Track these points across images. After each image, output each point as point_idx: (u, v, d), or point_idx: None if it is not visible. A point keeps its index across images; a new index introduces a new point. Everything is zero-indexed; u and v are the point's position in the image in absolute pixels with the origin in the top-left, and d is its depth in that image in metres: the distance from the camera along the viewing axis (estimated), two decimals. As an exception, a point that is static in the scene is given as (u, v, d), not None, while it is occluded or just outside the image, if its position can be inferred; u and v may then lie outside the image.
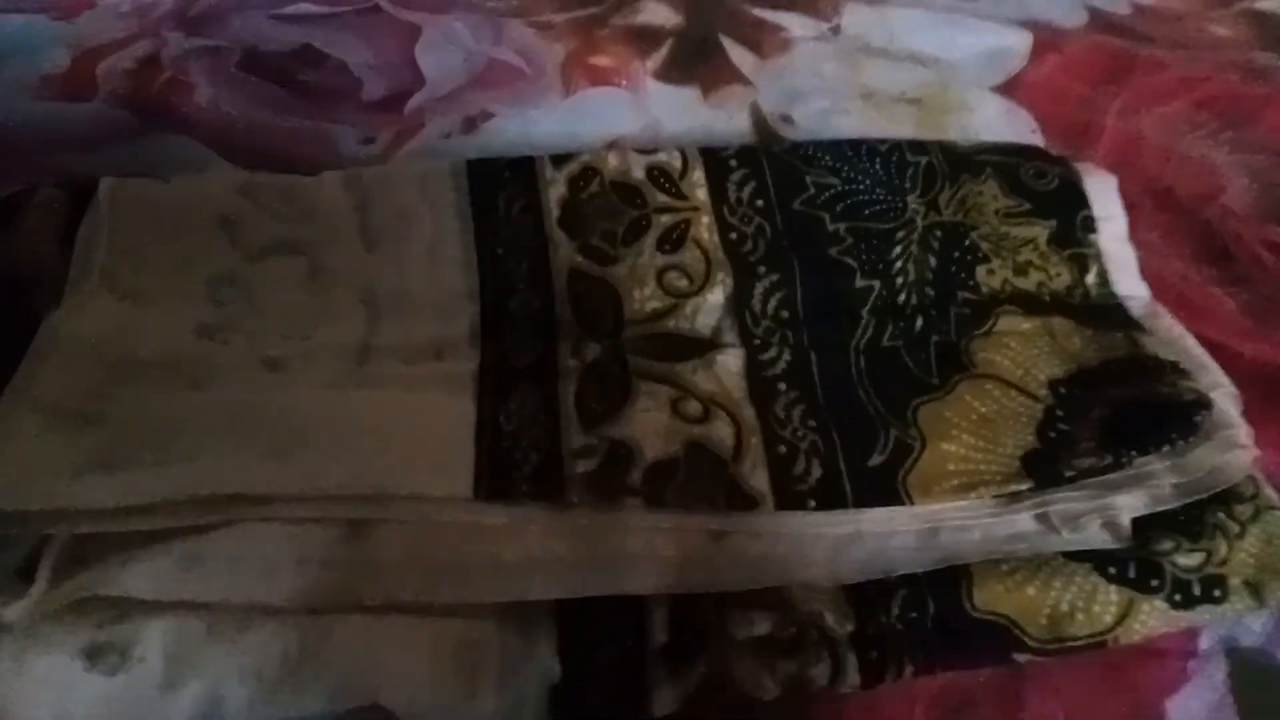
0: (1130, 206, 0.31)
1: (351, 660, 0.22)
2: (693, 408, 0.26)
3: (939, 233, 0.30)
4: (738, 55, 0.40)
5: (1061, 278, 0.29)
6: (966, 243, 0.30)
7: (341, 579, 0.23)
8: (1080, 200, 0.30)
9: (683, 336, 0.28)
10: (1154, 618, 0.23)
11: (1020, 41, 0.40)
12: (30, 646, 0.21)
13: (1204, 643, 0.24)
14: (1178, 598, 0.23)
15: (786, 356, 0.27)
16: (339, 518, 0.23)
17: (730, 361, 0.27)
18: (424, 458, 0.24)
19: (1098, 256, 0.30)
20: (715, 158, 0.31)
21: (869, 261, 0.29)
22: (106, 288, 0.27)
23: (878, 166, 0.31)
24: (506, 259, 0.29)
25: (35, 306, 0.27)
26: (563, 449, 0.25)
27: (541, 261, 0.29)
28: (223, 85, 0.37)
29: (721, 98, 0.38)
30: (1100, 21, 0.42)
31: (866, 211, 0.30)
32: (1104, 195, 0.31)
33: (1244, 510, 0.24)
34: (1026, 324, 0.28)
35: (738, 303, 0.28)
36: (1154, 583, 0.23)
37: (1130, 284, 0.30)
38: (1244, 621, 0.24)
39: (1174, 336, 0.28)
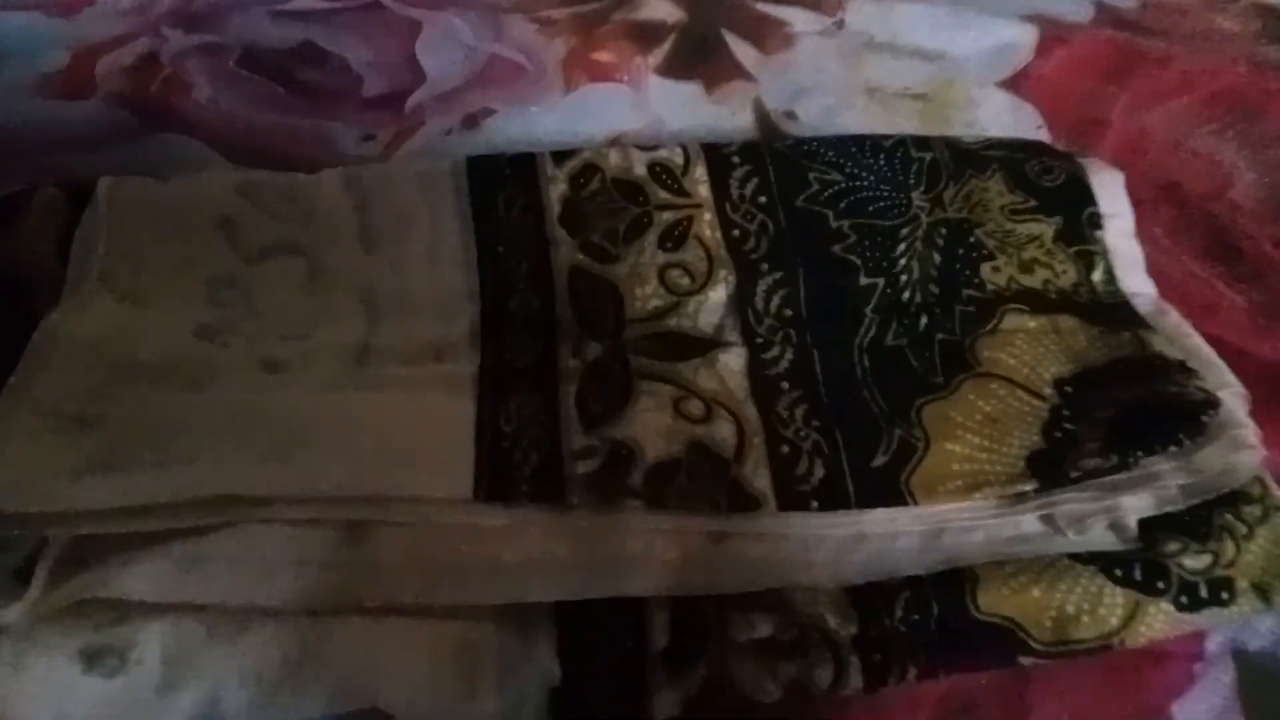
0: (1137, 203, 0.31)
1: (351, 662, 0.22)
2: (694, 407, 0.26)
3: (944, 230, 0.29)
4: (741, 51, 0.40)
5: (1067, 275, 0.29)
6: (971, 240, 0.29)
7: (341, 580, 0.22)
8: (1086, 197, 0.30)
9: (685, 335, 0.27)
10: (1160, 620, 0.23)
11: (1026, 36, 0.40)
12: (28, 649, 0.21)
13: (1211, 645, 0.24)
14: (1184, 600, 0.23)
15: (789, 355, 0.27)
16: (338, 519, 0.23)
17: (732, 360, 0.27)
18: (424, 459, 0.24)
19: (1104, 253, 0.29)
20: (718, 154, 0.31)
21: (873, 259, 0.29)
22: (105, 288, 0.27)
23: (882, 163, 0.31)
24: (507, 258, 0.29)
25: (34, 307, 0.26)
26: (563, 450, 0.25)
27: (542, 260, 0.29)
28: (222, 83, 0.37)
29: (724, 94, 0.38)
30: (1107, 16, 0.42)
31: (870, 208, 0.30)
32: (1110, 191, 0.30)
33: (1252, 512, 0.24)
34: (1032, 322, 0.27)
35: (740, 301, 0.28)
36: (1160, 585, 0.23)
37: (1137, 281, 0.29)
38: (1251, 624, 0.24)
39: (1181, 334, 0.28)
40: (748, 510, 0.24)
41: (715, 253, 0.29)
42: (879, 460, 0.25)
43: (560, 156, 0.31)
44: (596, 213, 0.29)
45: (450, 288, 0.28)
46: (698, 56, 0.39)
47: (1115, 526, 0.23)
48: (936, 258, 0.29)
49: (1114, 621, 0.22)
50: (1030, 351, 0.27)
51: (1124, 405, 0.25)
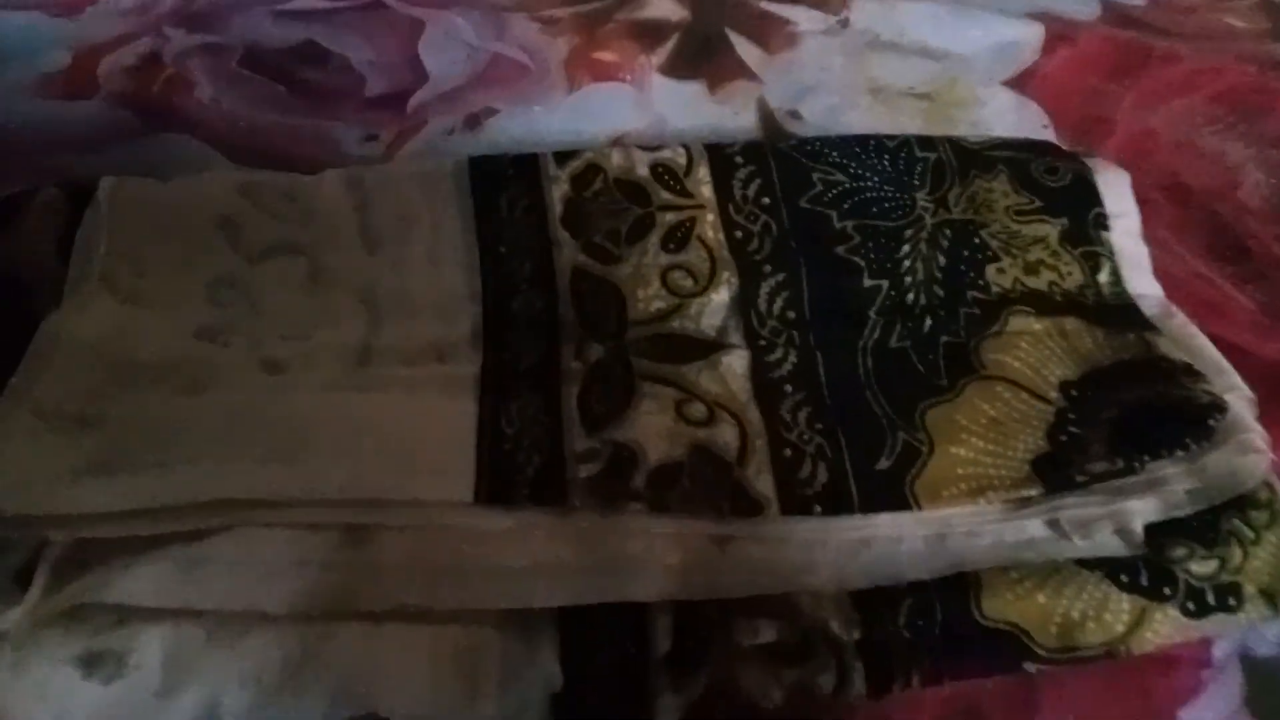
0: (1143, 203, 0.30)
1: (352, 665, 0.22)
2: (697, 410, 0.25)
3: (948, 231, 0.29)
4: (744, 50, 0.39)
5: (1073, 277, 0.29)
6: (976, 241, 0.29)
7: (342, 581, 0.22)
8: (1092, 197, 0.30)
9: (687, 337, 0.27)
10: (1167, 626, 0.22)
11: (1031, 34, 0.40)
12: (27, 654, 0.21)
13: (1218, 652, 0.24)
14: (1191, 606, 0.23)
15: (792, 358, 0.27)
16: (339, 522, 0.23)
17: (735, 363, 0.27)
18: (425, 461, 0.24)
19: (1110, 255, 0.29)
20: (720, 154, 0.31)
21: (877, 260, 0.29)
22: (106, 289, 0.27)
23: (886, 163, 0.31)
24: (509, 259, 0.29)
25: (35, 308, 0.26)
26: (565, 452, 0.24)
27: (544, 261, 0.28)
28: (224, 83, 0.37)
29: (728, 93, 0.38)
30: (1113, 13, 0.41)
31: (874, 209, 0.30)
32: (1117, 192, 0.30)
33: (1260, 516, 0.23)
34: (1037, 324, 0.27)
35: (743, 303, 0.28)
36: (1167, 590, 0.23)
37: (1143, 283, 0.29)
38: (1259, 630, 0.24)
39: (1188, 337, 0.27)
40: (750, 514, 0.24)
41: (718, 254, 0.29)
42: (883, 464, 0.24)
43: (562, 157, 0.31)
44: (599, 213, 0.29)
45: (452, 288, 0.28)
46: (701, 56, 0.39)
47: (1121, 531, 0.23)
48: (941, 259, 0.29)
49: (1120, 628, 0.22)
50: (1035, 354, 0.27)
51: (1130, 408, 0.25)
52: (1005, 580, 0.23)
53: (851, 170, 0.30)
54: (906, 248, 0.29)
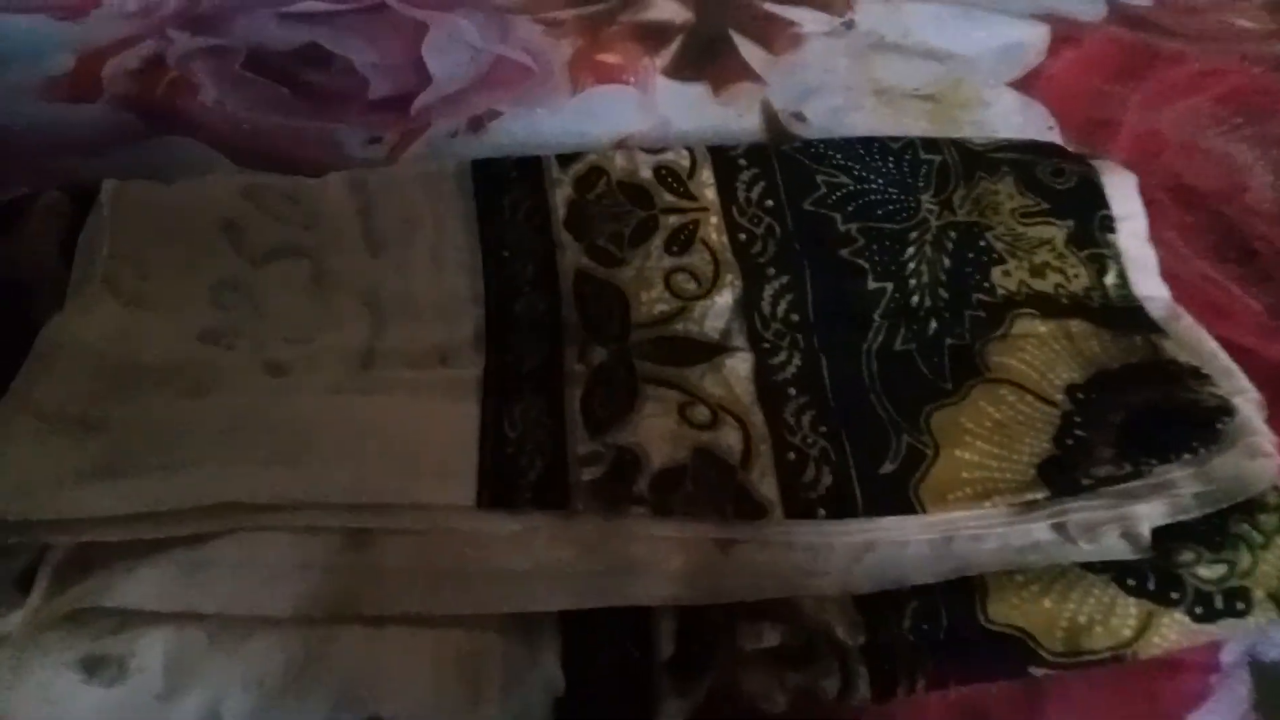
0: (1149, 204, 0.30)
1: (354, 668, 0.22)
2: (701, 413, 0.25)
3: (953, 233, 0.29)
4: (748, 51, 0.39)
5: (1079, 279, 0.28)
6: (981, 243, 0.29)
7: (344, 584, 0.22)
8: (1099, 199, 0.30)
9: (691, 340, 0.27)
10: (1174, 631, 0.22)
11: (1037, 35, 0.40)
12: (29, 658, 0.21)
13: (1226, 656, 0.24)
14: (1199, 610, 0.22)
15: (796, 361, 0.27)
16: (342, 526, 0.23)
17: (739, 366, 0.26)
18: (428, 464, 0.24)
19: (1117, 257, 0.29)
20: (724, 157, 0.31)
21: (881, 263, 0.29)
22: (109, 292, 0.27)
23: (890, 165, 0.31)
24: (512, 261, 0.29)
25: (37, 310, 0.26)
26: (568, 455, 0.24)
27: (548, 264, 0.28)
28: (228, 86, 0.37)
29: (732, 95, 0.38)
30: (1119, 14, 0.41)
31: (879, 211, 0.30)
32: (1123, 194, 0.30)
33: (1268, 520, 0.23)
34: (1043, 327, 0.27)
35: (747, 305, 0.28)
36: (1174, 595, 0.22)
37: (1150, 285, 0.29)
38: (1267, 635, 0.24)
39: (1195, 339, 0.27)
40: (754, 518, 0.24)
41: (721, 256, 0.29)
42: (887, 467, 0.24)
43: (566, 159, 0.30)
44: (602, 216, 0.29)
45: (455, 291, 0.28)
46: (705, 57, 0.39)
47: (1128, 535, 0.23)
48: (946, 262, 0.29)
49: (1127, 632, 0.22)
50: (1041, 357, 0.26)
51: (1137, 411, 0.25)
52: (1011, 584, 0.23)
53: (856, 172, 0.30)
54: (911, 250, 0.29)
